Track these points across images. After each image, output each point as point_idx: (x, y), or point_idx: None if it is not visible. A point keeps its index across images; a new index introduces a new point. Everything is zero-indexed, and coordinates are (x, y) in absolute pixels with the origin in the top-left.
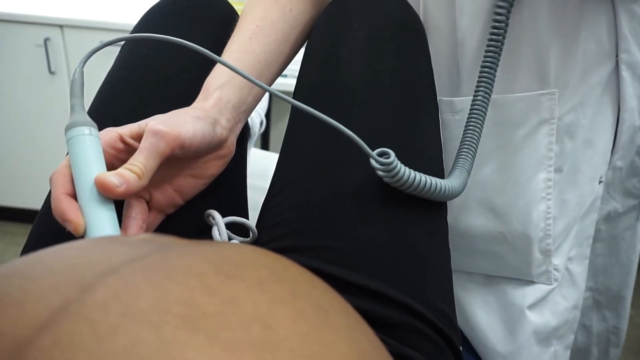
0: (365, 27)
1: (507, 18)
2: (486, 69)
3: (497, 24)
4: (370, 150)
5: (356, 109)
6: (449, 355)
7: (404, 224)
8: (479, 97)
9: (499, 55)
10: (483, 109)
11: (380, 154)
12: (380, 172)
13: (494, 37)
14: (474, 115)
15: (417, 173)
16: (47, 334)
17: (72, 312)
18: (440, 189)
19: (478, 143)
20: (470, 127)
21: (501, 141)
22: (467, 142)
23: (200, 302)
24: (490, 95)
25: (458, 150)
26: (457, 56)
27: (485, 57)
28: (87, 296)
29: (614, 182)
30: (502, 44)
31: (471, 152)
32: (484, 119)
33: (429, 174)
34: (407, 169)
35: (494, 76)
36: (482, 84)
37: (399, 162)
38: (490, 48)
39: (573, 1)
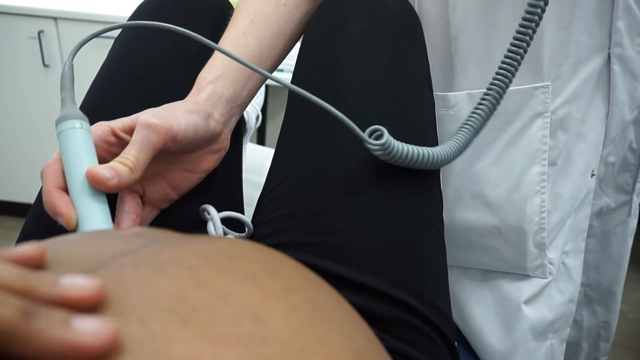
0: (362, 21)
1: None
2: (512, 54)
3: (532, 9)
4: (362, 133)
5: (352, 104)
6: (444, 351)
7: (399, 219)
8: (498, 80)
9: (529, 43)
10: (499, 92)
11: (373, 131)
12: (376, 152)
13: (526, 22)
14: (487, 98)
15: (409, 147)
16: None
17: None
18: (432, 157)
19: (481, 125)
20: (481, 107)
21: (495, 135)
22: (470, 120)
23: (191, 295)
24: (509, 83)
25: (460, 126)
26: (450, 51)
27: (514, 40)
28: None
29: (606, 177)
30: (534, 32)
31: (470, 129)
32: (496, 105)
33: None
34: (399, 144)
35: (519, 64)
36: (504, 69)
37: (392, 140)
38: (519, 36)
39: None
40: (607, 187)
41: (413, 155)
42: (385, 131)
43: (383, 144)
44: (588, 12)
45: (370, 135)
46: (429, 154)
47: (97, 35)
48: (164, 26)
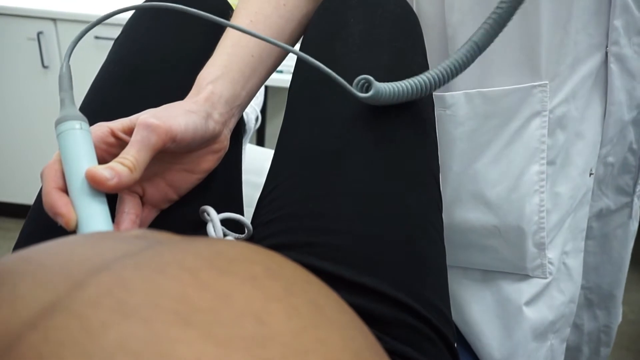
0: (361, 22)
1: None
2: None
3: None
4: (350, 87)
5: None
6: (443, 352)
7: (398, 220)
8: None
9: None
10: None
11: (361, 84)
12: (367, 101)
13: None
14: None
15: (398, 85)
16: (37, 330)
17: (62, 309)
18: (423, 87)
19: (481, 46)
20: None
21: (493, 134)
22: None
23: (193, 297)
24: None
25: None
26: (448, 51)
27: None
28: (78, 292)
29: (605, 178)
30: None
31: (465, 54)
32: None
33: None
34: (388, 87)
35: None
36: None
37: (380, 87)
38: None
39: None
40: (607, 189)
41: (404, 92)
42: (373, 82)
43: (373, 96)
44: (585, 10)
45: (358, 87)
46: (418, 85)
47: (90, 28)
48: (168, 6)
